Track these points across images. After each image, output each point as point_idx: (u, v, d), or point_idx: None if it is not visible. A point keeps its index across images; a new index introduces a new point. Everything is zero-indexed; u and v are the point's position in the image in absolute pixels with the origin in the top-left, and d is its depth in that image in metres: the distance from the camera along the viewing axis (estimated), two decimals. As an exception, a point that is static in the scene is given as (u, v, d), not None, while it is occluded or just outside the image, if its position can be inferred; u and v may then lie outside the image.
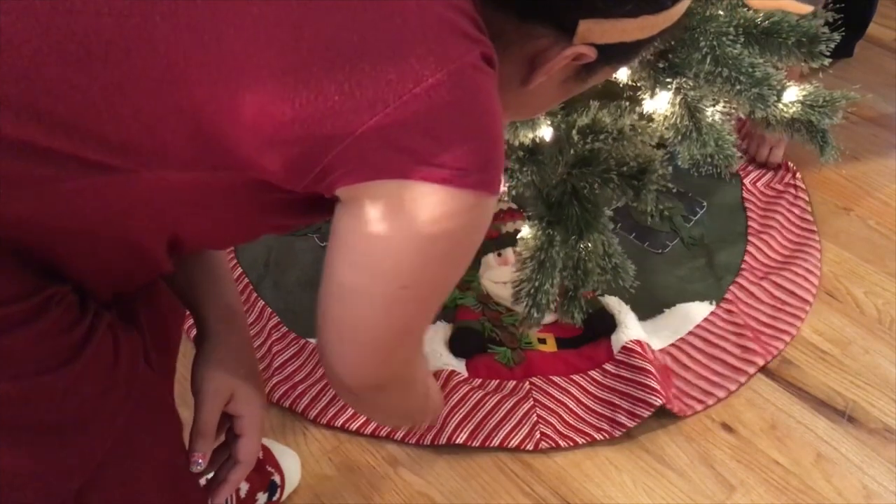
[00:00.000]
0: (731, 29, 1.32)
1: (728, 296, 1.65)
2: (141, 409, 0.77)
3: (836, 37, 1.36)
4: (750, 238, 1.77)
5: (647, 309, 1.61)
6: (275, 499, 1.30)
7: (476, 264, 1.67)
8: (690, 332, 1.58)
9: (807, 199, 1.86)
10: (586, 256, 1.32)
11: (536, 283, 1.31)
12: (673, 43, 1.28)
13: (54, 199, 0.64)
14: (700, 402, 1.48)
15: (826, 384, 1.51)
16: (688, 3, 0.73)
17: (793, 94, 1.45)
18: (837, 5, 1.42)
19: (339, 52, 0.60)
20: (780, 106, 1.43)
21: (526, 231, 1.37)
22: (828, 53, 1.36)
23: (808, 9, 1.17)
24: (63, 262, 0.69)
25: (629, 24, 0.70)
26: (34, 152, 0.60)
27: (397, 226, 0.64)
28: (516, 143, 1.28)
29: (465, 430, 1.41)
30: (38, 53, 0.58)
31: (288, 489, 1.32)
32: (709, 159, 1.35)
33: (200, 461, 0.87)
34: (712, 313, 1.61)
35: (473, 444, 1.39)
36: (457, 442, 1.39)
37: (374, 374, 0.78)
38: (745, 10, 1.35)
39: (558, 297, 1.39)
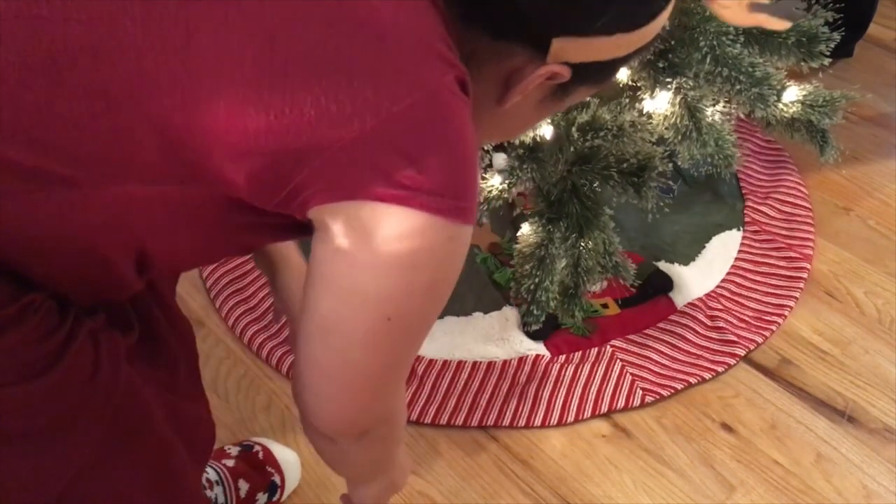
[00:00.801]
0: (731, 28, 1.32)
1: (747, 219, 1.80)
2: (124, 414, 0.75)
3: (836, 36, 1.36)
4: (736, 167, 1.88)
5: (691, 249, 1.73)
6: (275, 499, 1.29)
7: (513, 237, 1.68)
8: (737, 259, 1.72)
9: (761, 128, 1.94)
10: (586, 254, 1.32)
11: (536, 280, 1.31)
12: (673, 42, 1.28)
13: (18, 214, 0.62)
14: (779, 314, 1.60)
15: (826, 384, 1.51)
16: (663, 22, 0.72)
17: (793, 94, 1.45)
18: (837, 5, 1.42)
19: (315, 66, 0.59)
20: (780, 106, 1.43)
21: (526, 228, 1.37)
22: (827, 53, 1.36)
23: (785, 25, 1.17)
24: (32, 275, 0.67)
25: (603, 42, 0.69)
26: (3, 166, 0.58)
27: (374, 251, 0.62)
28: (516, 141, 1.28)
29: (573, 405, 1.45)
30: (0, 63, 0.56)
31: (288, 489, 1.32)
32: (709, 159, 1.35)
33: None
34: (744, 237, 1.76)
35: (585, 417, 1.44)
36: (569, 421, 1.43)
37: (358, 417, 0.76)
38: (745, 9, 1.35)
39: (558, 296, 1.39)
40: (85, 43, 0.57)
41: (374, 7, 0.61)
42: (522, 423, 1.43)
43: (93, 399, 0.72)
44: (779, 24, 1.13)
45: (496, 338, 1.55)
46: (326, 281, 0.66)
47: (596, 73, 0.73)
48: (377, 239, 0.62)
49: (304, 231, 0.67)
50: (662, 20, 0.71)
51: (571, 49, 0.68)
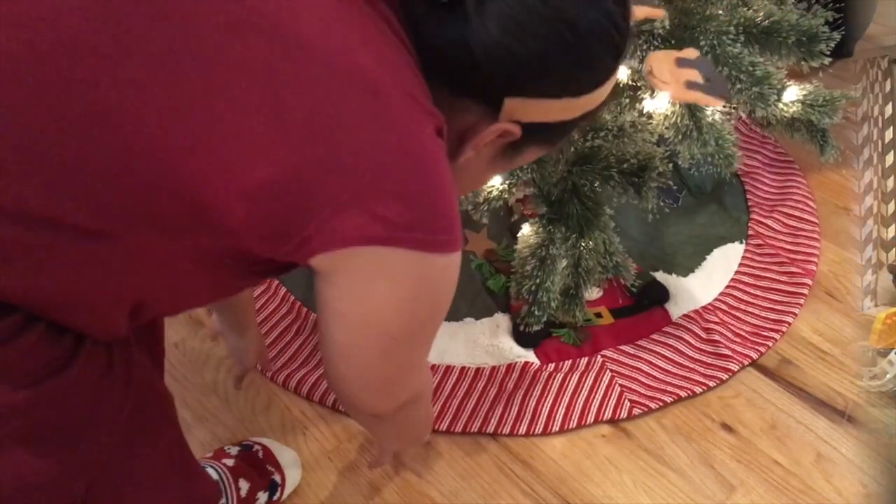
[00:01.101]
0: (731, 28, 1.32)
1: (751, 232, 1.77)
2: (141, 398, 0.78)
3: (836, 36, 1.36)
4: (743, 178, 1.89)
5: (691, 260, 1.72)
6: (275, 498, 1.29)
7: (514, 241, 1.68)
8: (738, 272, 1.70)
9: (774, 139, 1.95)
10: (587, 255, 1.32)
11: (538, 281, 1.31)
12: (673, 42, 1.28)
13: (38, 267, 0.63)
14: (776, 331, 1.58)
15: (826, 384, 1.51)
16: (608, 89, 0.77)
17: (793, 94, 1.45)
18: (837, 5, 1.42)
19: (317, 124, 0.63)
20: (781, 105, 1.43)
21: (527, 229, 1.37)
22: (827, 53, 1.36)
23: (718, 102, 1.21)
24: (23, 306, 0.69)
25: (552, 104, 0.74)
26: (31, 219, 0.60)
27: (378, 290, 0.70)
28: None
29: (559, 414, 1.44)
30: (34, 121, 0.59)
31: (288, 489, 1.32)
32: (709, 158, 1.35)
33: None
34: (746, 251, 1.74)
35: (571, 427, 1.42)
36: (554, 431, 1.42)
37: (391, 401, 0.88)
38: (745, 9, 1.35)
39: (559, 296, 1.39)
40: (121, 105, 0.60)
41: (365, 64, 0.66)
42: (507, 430, 1.41)
43: (113, 387, 0.74)
44: (713, 102, 1.18)
45: (486, 344, 1.54)
46: (338, 316, 0.74)
47: (546, 134, 0.79)
48: (381, 279, 0.69)
49: (292, 268, 0.74)
50: (608, 88, 0.77)
51: (521, 109, 0.73)
